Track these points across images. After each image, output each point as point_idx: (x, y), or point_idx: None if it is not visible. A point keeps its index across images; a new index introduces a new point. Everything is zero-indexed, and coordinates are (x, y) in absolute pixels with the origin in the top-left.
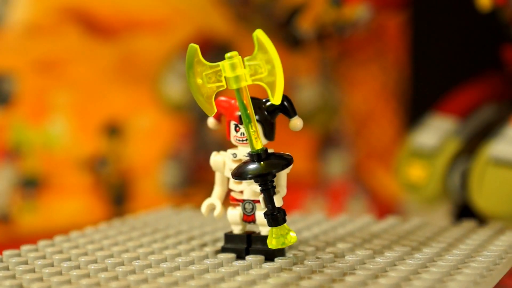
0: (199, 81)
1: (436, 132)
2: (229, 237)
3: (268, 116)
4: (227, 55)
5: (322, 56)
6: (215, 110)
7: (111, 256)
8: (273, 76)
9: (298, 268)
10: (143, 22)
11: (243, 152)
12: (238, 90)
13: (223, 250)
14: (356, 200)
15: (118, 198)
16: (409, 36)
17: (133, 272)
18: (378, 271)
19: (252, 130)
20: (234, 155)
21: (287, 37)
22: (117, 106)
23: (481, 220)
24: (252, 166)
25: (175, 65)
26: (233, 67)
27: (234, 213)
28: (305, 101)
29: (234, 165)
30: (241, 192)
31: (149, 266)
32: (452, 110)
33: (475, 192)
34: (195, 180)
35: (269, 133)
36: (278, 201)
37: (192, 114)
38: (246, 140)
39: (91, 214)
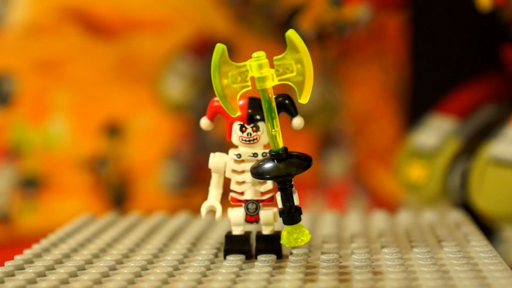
0: (225, 81)
1: (436, 132)
2: (231, 238)
3: None
4: (254, 54)
5: (322, 56)
6: (239, 112)
7: (111, 255)
8: (303, 76)
9: (304, 268)
10: (143, 22)
11: (247, 152)
12: (263, 90)
13: (226, 252)
14: (356, 200)
15: (118, 198)
16: (409, 36)
17: (138, 274)
18: (385, 273)
19: (274, 130)
20: (238, 155)
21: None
22: (117, 106)
23: (480, 220)
24: (273, 166)
25: (175, 65)
26: (260, 67)
27: (237, 214)
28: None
29: (236, 166)
30: (242, 193)
31: (153, 267)
32: (452, 110)
33: (475, 192)
34: (195, 180)
35: None
36: (296, 200)
37: (192, 114)
38: (253, 140)
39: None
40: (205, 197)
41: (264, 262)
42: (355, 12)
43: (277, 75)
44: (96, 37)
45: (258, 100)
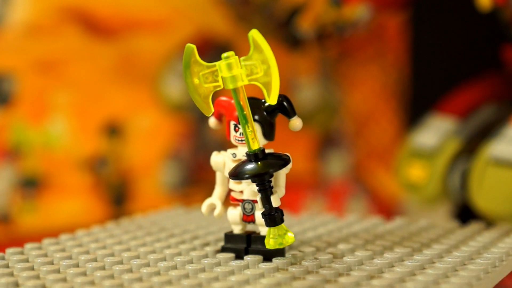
0: (196, 81)
1: (436, 132)
2: (229, 237)
3: (267, 116)
4: (224, 55)
5: (322, 56)
6: (212, 110)
7: (112, 254)
8: (269, 76)
9: (294, 269)
10: (143, 22)
11: (242, 152)
12: (235, 90)
13: (223, 249)
14: (356, 200)
15: (118, 198)
16: (409, 36)
17: (129, 270)
18: (374, 272)
19: (249, 130)
20: (234, 155)
21: (287, 37)
22: (117, 106)
23: (480, 220)
24: (249, 166)
25: (175, 65)
26: (229, 67)
27: (234, 213)
28: (305, 101)
29: (233, 165)
30: (241, 192)
31: (147, 264)
32: (452, 110)
33: (475, 192)
34: (195, 180)
35: (268, 133)
36: (275, 201)
37: (192, 114)
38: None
39: (91, 214)
40: (205, 197)
41: (252, 262)
42: (355, 12)
43: (246, 75)
44: (96, 37)
45: (253, 99)
